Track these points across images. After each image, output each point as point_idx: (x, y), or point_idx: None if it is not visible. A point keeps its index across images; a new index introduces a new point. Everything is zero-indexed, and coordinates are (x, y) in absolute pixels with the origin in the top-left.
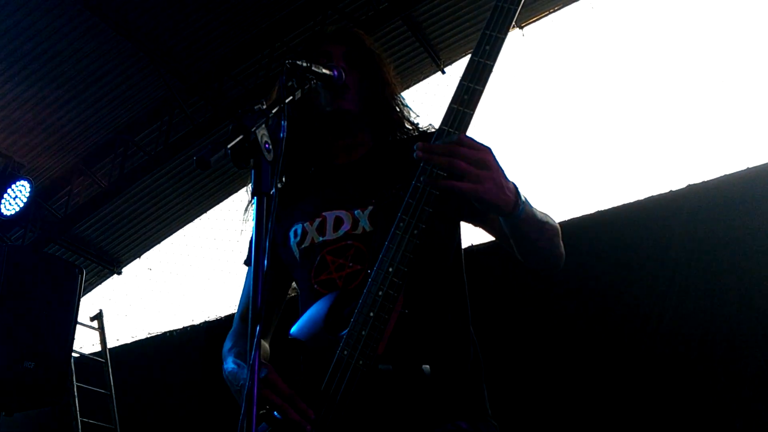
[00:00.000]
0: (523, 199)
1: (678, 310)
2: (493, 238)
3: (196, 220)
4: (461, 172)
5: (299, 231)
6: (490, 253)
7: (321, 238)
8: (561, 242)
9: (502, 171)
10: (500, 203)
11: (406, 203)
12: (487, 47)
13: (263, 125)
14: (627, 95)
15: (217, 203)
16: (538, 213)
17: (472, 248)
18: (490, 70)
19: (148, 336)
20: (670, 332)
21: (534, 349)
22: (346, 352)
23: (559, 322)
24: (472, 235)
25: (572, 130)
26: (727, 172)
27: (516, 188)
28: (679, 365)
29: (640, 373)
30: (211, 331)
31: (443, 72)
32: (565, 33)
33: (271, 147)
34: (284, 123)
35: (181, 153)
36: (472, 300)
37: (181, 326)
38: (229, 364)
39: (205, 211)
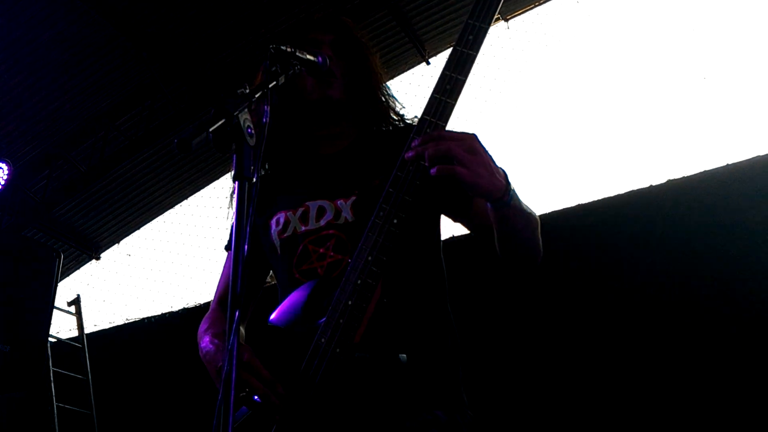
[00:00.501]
0: (512, 186)
1: (656, 304)
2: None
3: (177, 207)
4: (458, 158)
5: (281, 220)
6: (473, 245)
7: (303, 228)
8: (540, 237)
9: (491, 156)
10: (492, 188)
11: (386, 193)
12: (470, 37)
13: (246, 109)
14: (609, 90)
15: (198, 190)
16: (524, 204)
17: (453, 239)
18: (473, 60)
19: (126, 322)
20: (649, 324)
21: (513, 340)
22: (323, 340)
23: (538, 315)
24: (454, 227)
25: (555, 123)
26: (707, 168)
27: (505, 174)
28: (660, 355)
29: (618, 364)
30: (190, 318)
31: (428, 63)
32: (550, 26)
33: (253, 132)
34: (267, 108)
35: (162, 138)
36: (455, 291)
37: (159, 313)
38: (206, 343)
39: (186, 198)
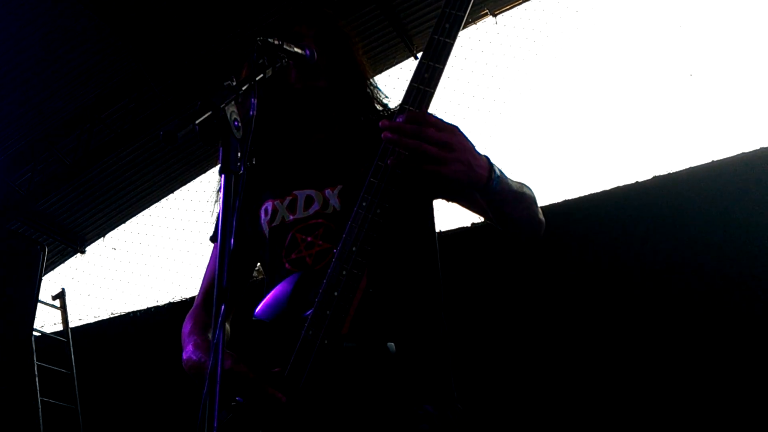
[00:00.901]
0: (497, 172)
1: (639, 301)
2: (461, 225)
3: (163, 201)
4: (429, 155)
5: (270, 209)
6: (462, 239)
7: (291, 217)
8: (539, 210)
9: (471, 146)
10: (470, 181)
11: (368, 183)
12: (447, 25)
13: (232, 102)
14: (596, 86)
15: (184, 184)
16: (513, 184)
17: (441, 233)
18: (450, 49)
19: (112, 316)
20: (631, 321)
21: (505, 335)
22: (311, 332)
23: (529, 311)
24: (440, 222)
25: (541, 118)
26: (692, 165)
27: (488, 162)
28: (644, 348)
29: (607, 359)
30: (176, 313)
31: (416, 57)
32: (538, 22)
33: (240, 124)
34: (254, 101)
35: (148, 131)
36: (450, 285)
37: (145, 307)
38: (189, 353)
39: (172, 192)
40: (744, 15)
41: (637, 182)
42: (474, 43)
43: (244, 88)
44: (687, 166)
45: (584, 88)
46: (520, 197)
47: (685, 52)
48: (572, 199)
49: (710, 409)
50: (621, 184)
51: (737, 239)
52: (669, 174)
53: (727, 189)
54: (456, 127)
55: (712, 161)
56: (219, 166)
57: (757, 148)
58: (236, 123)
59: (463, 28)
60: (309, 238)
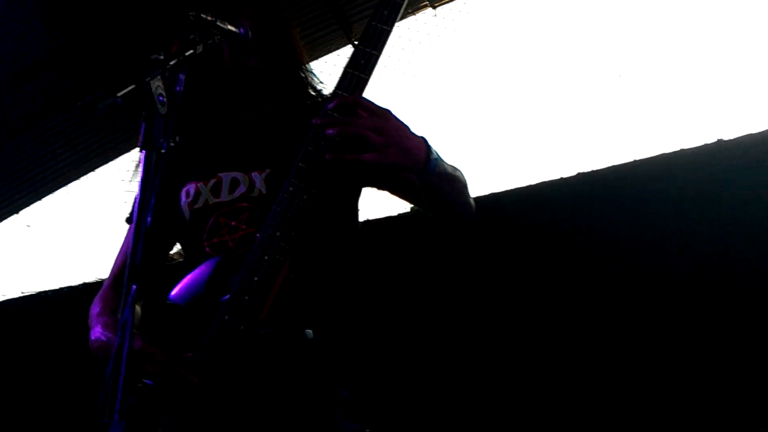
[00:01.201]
0: (434, 154)
1: (561, 301)
2: (388, 214)
3: (83, 178)
4: (367, 142)
5: (192, 191)
6: (386, 228)
7: (215, 200)
8: (470, 194)
9: (405, 128)
10: (408, 165)
11: (296, 167)
12: (385, 12)
13: (159, 76)
14: (530, 83)
15: (106, 162)
16: (448, 167)
17: (367, 222)
18: (388, 36)
19: (21, 295)
20: (553, 324)
21: (430, 325)
22: (227, 317)
23: (452, 301)
24: (367, 210)
25: (476, 113)
26: (616, 163)
27: (425, 143)
28: (573, 360)
29: (524, 361)
30: (90, 293)
31: (353, 45)
32: (476, 15)
33: (165, 100)
34: (182, 76)
35: (70, 106)
36: (382, 272)
37: (57, 287)
38: (97, 335)
39: (93, 170)
40: (674, 17)
41: (561, 178)
42: (412, 34)
43: (172, 63)
44: (610, 164)
45: (518, 84)
46: (454, 180)
47: (614, 52)
48: (499, 192)
49: (702, 408)
50: (546, 179)
51: (657, 240)
52: (593, 171)
53: (651, 188)
54: (388, 111)
55: (634, 160)
56: (140, 141)
57: (678, 149)
58: (161, 98)
59: (402, 18)
60: (233, 222)
